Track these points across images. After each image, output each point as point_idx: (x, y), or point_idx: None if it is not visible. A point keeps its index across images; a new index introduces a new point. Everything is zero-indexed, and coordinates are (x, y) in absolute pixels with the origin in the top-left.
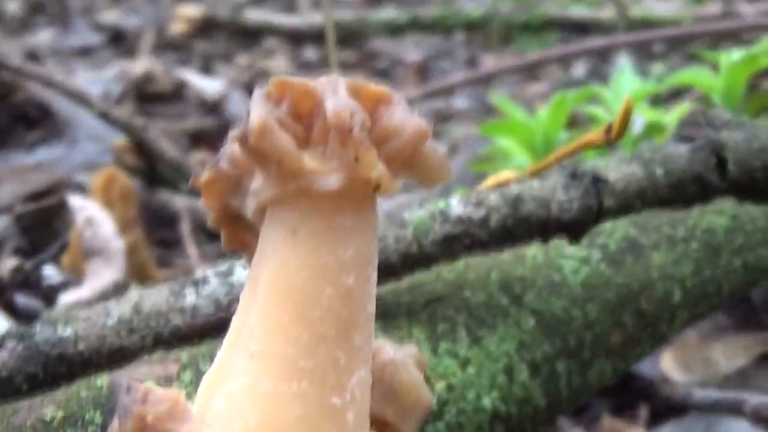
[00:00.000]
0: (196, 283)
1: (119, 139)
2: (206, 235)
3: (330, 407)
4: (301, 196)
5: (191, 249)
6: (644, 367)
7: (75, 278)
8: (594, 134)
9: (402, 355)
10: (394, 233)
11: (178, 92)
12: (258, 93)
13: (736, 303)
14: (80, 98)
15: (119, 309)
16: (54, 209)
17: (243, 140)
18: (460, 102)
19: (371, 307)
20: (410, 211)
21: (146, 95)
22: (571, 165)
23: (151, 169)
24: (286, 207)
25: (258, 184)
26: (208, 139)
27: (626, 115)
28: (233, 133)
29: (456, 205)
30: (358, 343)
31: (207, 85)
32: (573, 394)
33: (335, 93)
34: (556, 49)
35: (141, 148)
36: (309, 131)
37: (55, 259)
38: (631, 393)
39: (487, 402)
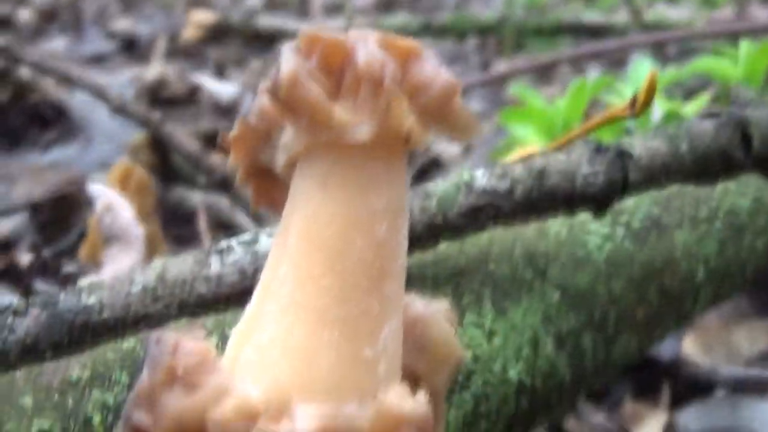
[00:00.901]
0: (221, 252)
1: (135, 136)
2: (223, 230)
3: (362, 357)
4: (332, 148)
5: (208, 245)
6: (665, 351)
7: (93, 269)
8: (619, 107)
9: (433, 309)
10: (419, 204)
11: (192, 96)
12: (288, 47)
13: (758, 287)
14: (97, 92)
15: (144, 277)
16: (70, 207)
17: (273, 92)
18: (474, 104)
19: (402, 258)
20: (435, 183)
21: (160, 99)
22: (595, 140)
23: (167, 166)
24: (316, 159)
25: (288, 136)
26: (223, 144)
27: (651, 88)
28: (263, 86)
29: (481, 176)
30: (390, 293)
31: (220, 89)
32: (598, 369)
33: (366, 45)
34: (569, 50)
35: (157, 144)
36: (339, 84)
37: (72, 253)
38: (652, 377)
39: (513, 374)
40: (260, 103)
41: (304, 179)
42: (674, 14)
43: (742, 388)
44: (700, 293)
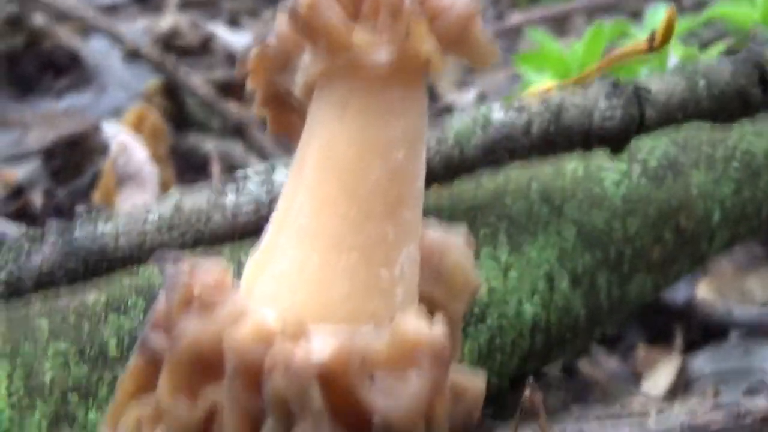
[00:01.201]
0: (237, 183)
1: (149, 83)
2: None
3: (378, 283)
4: (351, 72)
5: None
6: (678, 296)
7: (106, 210)
8: (638, 43)
9: (451, 237)
10: (436, 136)
11: (205, 46)
12: None
13: None
14: (112, 36)
15: (160, 207)
16: (83, 153)
17: (293, 14)
18: None
19: (421, 184)
20: (452, 117)
21: (173, 49)
22: (612, 76)
23: (181, 112)
24: (334, 83)
25: (307, 59)
26: (236, 90)
27: (670, 24)
28: (282, 8)
29: (498, 111)
30: (407, 218)
31: (234, 39)
32: (613, 308)
33: None
34: (584, 0)
35: (171, 91)
36: (358, 8)
37: (85, 196)
38: (665, 323)
39: (528, 309)
40: (279, 26)
41: (321, 106)
42: None
43: (756, 331)
44: (715, 235)
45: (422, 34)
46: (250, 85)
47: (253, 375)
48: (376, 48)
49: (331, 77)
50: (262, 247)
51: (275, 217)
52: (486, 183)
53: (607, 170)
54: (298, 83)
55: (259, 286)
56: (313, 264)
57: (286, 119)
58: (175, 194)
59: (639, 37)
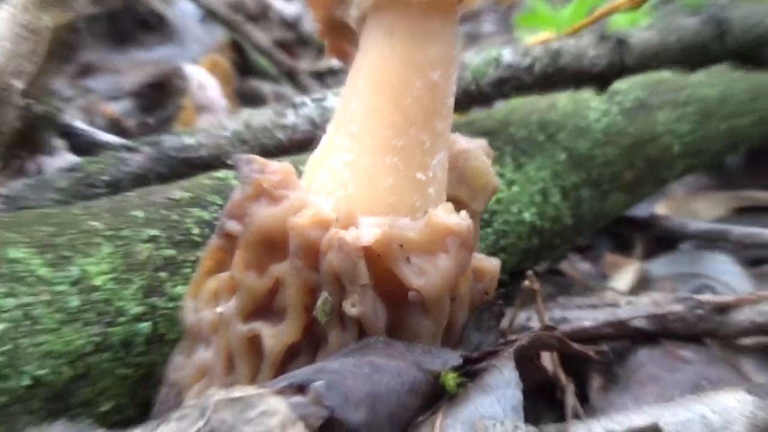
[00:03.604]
0: (295, 106)
1: (220, 38)
2: None
3: (416, 180)
4: (397, 4)
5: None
6: (640, 213)
7: None
8: (622, 1)
9: (474, 145)
10: (457, 74)
11: (264, 14)
12: None
13: (715, 165)
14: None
15: (233, 124)
16: (166, 93)
17: None
18: (488, 26)
19: (451, 101)
20: (469, 57)
21: (239, 15)
22: (600, 29)
23: (245, 62)
24: (384, 13)
25: None
26: (288, 47)
27: None
28: None
29: (507, 54)
30: (440, 129)
31: (286, 8)
32: (593, 218)
33: None
34: None
35: (237, 46)
36: None
37: (169, 124)
38: (628, 235)
39: (527, 216)
40: None
41: (372, 30)
42: None
43: (702, 240)
44: (675, 164)
45: None
46: (312, 17)
47: (312, 254)
48: None
49: (381, 8)
50: (321, 146)
51: (332, 122)
52: (495, 113)
53: (591, 107)
54: (352, 15)
55: (318, 179)
56: (362, 161)
57: (342, 46)
58: (245, 113)
59: None
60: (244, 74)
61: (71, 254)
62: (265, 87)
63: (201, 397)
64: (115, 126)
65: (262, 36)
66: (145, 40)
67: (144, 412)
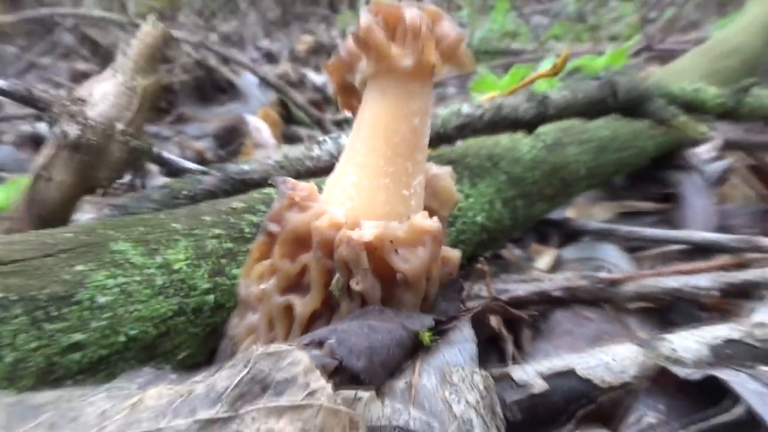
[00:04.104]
0: (319, 143)
1: (271, 98)
2: None
3: (402, 196)
4: (389, 72)
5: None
6: (556, 216)
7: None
8: (545, 70)
9: (442, 171)
10: (431, 121)
11: (302, 81)
12: (363, 9)
13: (607, 184)
14: (253, 71)
15: (276, 156)
16: (235, 134)
17: (355, 36)
18: (451, 89)
19: (426, 140)
20: (439, 111)
21: (284, 82)
22: (529, 90)
23: (288, 114)
24: (380, 78)
25: (363, 64)
26: (317, 104)
27: (564, 59)
28: (350, 32)
29: (465, 107)
30: (419, 159)
31: (317, 78)
32: (525, 220)
33: (411, 9)
34: (503, 60)
35: (283, 103)
36: (394, 32)
37: (236, 155)
38: (547, 231)
39: (479, 219)
40: (347, 43)
41: (371, 91)
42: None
43: (598, 235)
44: (581, 183)
45: (432, 49)
46: (329, 81)
47: (328, 247)
48: (404, 58)
49: (378, 75)
50: (335, 172)
51: (343, 155)
52: (456, 149)
53: (523, 144)
54: (358, 79)
55: (333, 194)
56: (364, 182)
57: (350, 102)
58: (284, 149)
59: (546, 67)
60: (288, 122)
61: (158, 247)
62: (302, 131)
63: (247, 350)
64: (199, 157)
65: (300, 96)
66: (221, 99)
67: (209, 359)
